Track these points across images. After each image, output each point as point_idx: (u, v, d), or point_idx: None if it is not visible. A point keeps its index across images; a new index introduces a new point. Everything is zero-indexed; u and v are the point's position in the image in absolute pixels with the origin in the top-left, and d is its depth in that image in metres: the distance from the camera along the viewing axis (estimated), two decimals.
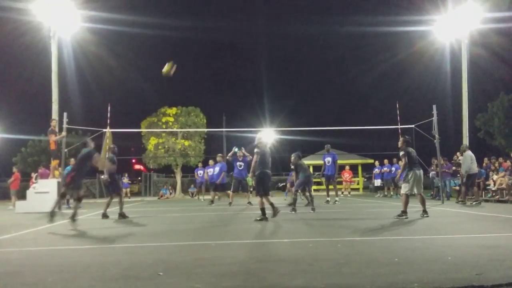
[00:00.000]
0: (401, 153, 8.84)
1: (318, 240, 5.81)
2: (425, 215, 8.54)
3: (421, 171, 8.84)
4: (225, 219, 9.50)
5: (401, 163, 9.14)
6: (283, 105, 70.11)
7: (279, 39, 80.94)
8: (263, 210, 8.47)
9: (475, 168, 13.32)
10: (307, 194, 11.64)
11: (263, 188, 8.59)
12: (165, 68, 10.12)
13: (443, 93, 29.76)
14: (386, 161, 20.49)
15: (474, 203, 12.65)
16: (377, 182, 21.24)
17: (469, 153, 13.27)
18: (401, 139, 9.07)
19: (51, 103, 16.53)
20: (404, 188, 8.77)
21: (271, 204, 8.67)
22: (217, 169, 15.55)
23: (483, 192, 15.43)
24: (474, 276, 3.47)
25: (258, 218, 8.35)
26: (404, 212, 8.38)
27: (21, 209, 12.73)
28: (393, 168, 19.26)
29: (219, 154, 17.10)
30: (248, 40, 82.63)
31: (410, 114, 18.30)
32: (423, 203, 8.77)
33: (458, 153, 15.58)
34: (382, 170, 20.48)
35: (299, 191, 11.53)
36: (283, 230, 7.12)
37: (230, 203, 14.41)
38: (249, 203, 14.16)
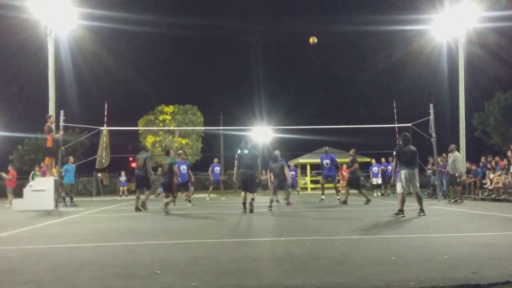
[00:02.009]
0: (394, 153, 8.99)
1: (315, 238, 5.82)
2: (421, 214, 8.56)
3: (415, 170, 8.80)
4: (223, 217, 9.50)
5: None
6: (280, 104, 70.17)
7: (276, 37, 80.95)
8: (244, 204, 9.80)
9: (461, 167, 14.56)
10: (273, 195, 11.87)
11: (243, 186, 9.96)
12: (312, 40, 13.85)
13: (440, 92, 29.84)
14: (383, 159, 20.49)
15: (459, 200, 13.59)
16: (375, 181, 20.93)
17: (458, 153, 14.33)
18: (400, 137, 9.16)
19: (48, 101, 16.47)
20: (398, 187, 8.83)
21: (252, 199, 9.89)
22: (184, 167, 14.29)
23: (480, 191, 15.50)
24: (470, 275, 3.48)
25: (241, 211, 9.70)
26: (401, 210, 8.40)
27: (17, 207, 12.68)
28: (389, 167, 19.26)
29: (180, 151, 16.79)
30: (245, 39, 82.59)
31: (407, 113, 18.31)
32: (419, 201, 8.79)
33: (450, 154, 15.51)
34: (381, 168, 20.30)
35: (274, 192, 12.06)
36: (280, 228, 7.13)
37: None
38: (277, 201, 14.38)
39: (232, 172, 22.05)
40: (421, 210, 8.69)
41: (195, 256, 4.52)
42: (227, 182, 30.06)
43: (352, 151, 13.67)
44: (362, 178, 16.09)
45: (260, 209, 10.53)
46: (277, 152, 12.25)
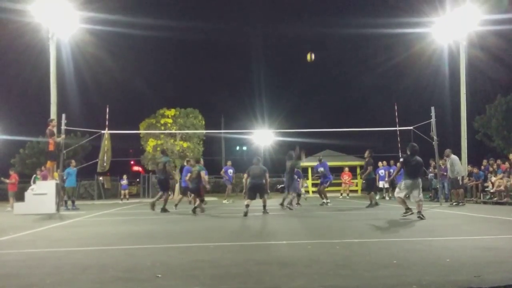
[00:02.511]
0: (401, 159, 9.11)
1: (316, 242, 5.81)
2: (409, 213, 8.61)
3: (418, 180, 8.80)
4: (225, 221, 9.50)
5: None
6: (282, 107, 70.16)
7: (278, 40, 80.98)
8: (247, 206, 10.41)
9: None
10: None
11: (251, 195, 10.91)
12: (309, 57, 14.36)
13: (442, 95, 29.83)
14: (384, 162, 20.38)
15: (460, 203, 13.37)
16: (382, 184, 20.34)
17: (454, 156, 14.17)
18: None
19: (50, 105, 16.50)
20: (397, 193, 8.97)
21: (264, 206, 10.91)
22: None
23: (482, 194, 15.46)
24: (472, 278, 3.47)
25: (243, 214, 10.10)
26: (408, 209, 8.55)
27: (19, 211, 12.69)
28: (391, 170, 19.14)
29: (188, 158, 16.86)
30: (247, 42, 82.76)
31: (408, 116, 18.31)
32: (417, 206, 8.75)
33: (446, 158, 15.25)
34: (386, 171, 19.92)
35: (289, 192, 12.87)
36: (281, 232, 7.12)
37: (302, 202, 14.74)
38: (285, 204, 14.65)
39: (240, 174, 22.28)
40: (408, 208, 8.76)
41: (196, 260, 4.52)
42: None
43: (367, 153, 13.34)
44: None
45: (260, 212, 10.55)
46: (291, 152, 13.13)
